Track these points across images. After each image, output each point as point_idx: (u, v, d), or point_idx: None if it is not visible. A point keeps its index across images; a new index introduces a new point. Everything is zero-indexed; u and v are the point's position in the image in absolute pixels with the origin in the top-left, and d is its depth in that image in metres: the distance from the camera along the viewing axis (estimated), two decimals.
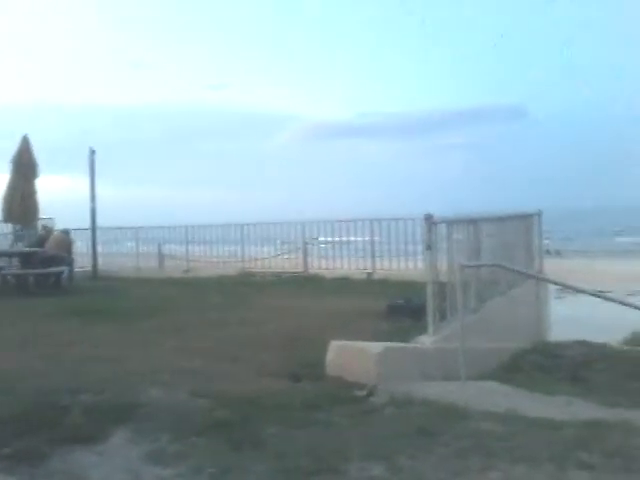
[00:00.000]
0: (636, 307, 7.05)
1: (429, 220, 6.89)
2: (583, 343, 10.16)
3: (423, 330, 6.83)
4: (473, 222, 8.07)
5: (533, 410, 4.47)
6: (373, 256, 13.20)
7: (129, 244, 17.51)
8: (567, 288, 9.61)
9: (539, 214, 10.97)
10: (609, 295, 8.87)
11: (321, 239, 14.31)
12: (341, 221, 13.87)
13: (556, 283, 8.92)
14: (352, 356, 5.61)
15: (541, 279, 9.00)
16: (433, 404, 4.49)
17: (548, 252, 42.97)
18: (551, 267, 26.12)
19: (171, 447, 3.55)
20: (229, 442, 3.63)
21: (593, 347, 10.03)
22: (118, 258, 17.13)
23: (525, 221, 10.47)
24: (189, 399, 4.63)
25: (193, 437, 3.72)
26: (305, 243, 14.32)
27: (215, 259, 15.28)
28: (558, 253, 43.45)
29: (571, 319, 15.69)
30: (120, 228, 17.39)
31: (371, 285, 12.14)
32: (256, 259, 14.85)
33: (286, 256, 14.78)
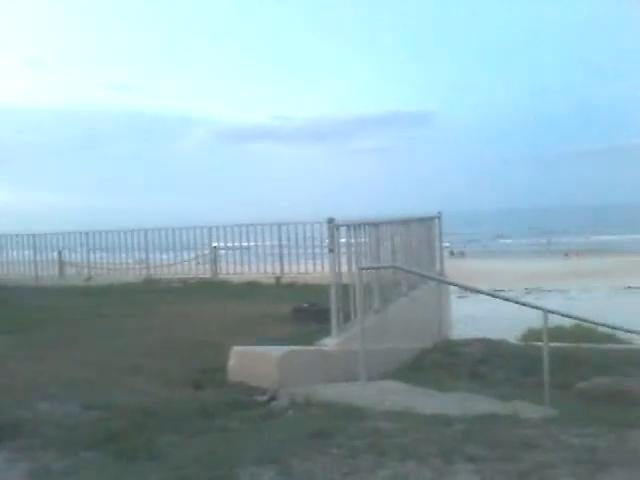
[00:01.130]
0: (528, 305, 7.41)
1: (331, 224, 6.97)
2: (482, 340, 10.57)
3: (328, 333, 6.90)
4: (375, 225, 8.24)
5: (429, 407, 4.59)
6: (281, 260, 13.21)
7: (27, 252, 16.62)
8: (462, 288, 9.96)
9: (439, 217, 11.33)
10: (503, 294, 9.28)
11: (229, 244, 14.15)
12: (249, 225, 13.78)
13: (451, 283, 9.25)
14: (253, 361, 5.58)
15: (435, 279, 9.30)
16: (332, 406, 4.53)
17: (452, 253, 44.70)
18: (455, 268, 27.14)
19: (57, 464, 3.37)
20: (122, 454, 3.50)
21: (492, 344, 10.46)
22: (15, 266, 16.27)
23: (426, 223, 10.79)
24: (81, 412, 4.43)
25: (82, 451, 3.56)
26: (213, 248, 14.13)
27: (118, 266, 14.79)
28: (462, 254, 45.28)
29: (473, 317, 16.39)
30: (17, 235, 16.50)
31: (279, 289, 12.13)
32: (161, 265, 14.50)
33: (193, 262, 14.52)
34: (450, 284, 9.55)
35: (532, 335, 11.92)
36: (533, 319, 9.74)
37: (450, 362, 8.87)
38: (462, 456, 3.02)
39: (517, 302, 7.78)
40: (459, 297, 19.43)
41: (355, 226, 7.63)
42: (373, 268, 7.53)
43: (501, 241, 61.92)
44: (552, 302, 18.91)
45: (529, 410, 4.79)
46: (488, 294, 7.85)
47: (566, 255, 40.71)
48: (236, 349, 5.73)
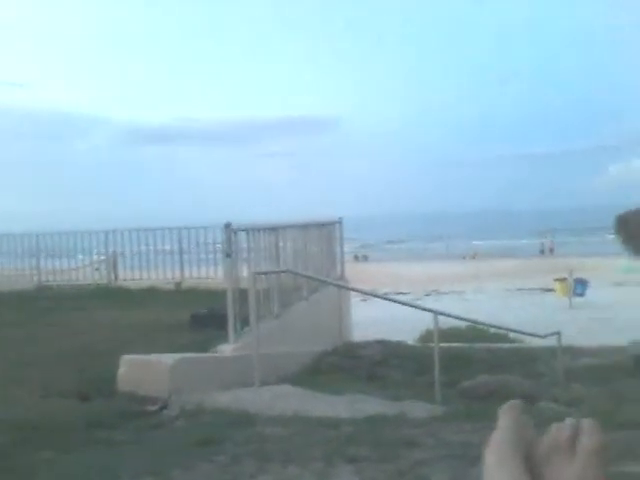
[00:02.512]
0: (419, 307, 7.65)
1: (228, 228, 6.92)
2: (381, 342, 10.82)
3: (225, 339, 6.83)
4: (274, 230, 8.24)
5: (320, 410, 4.65)
6: (182, 265, 12.94)
7: None
8: (357, 292, 10.14)
9: (340, 221, 11.49)
10: (396, 297, 9.53)
11: (128, 249, 13.70)
12: (148, 230, 13.41)
13: (343, 287, 9.40)
14: (144, 370, 5.42)
15: (328, 283, 9.41)
16: (224, 412, 4.49)
17: (356, 257, 45.38)
18: (358, 272, 27.62)
19: None
20: None
21: (390, 345, 10.74)
22: None
23: (327, 228, 10.91)
24: None
25: None
26: (111, 253, 13.65)
27: (7, 272, 13.98)
28: (365, 258, 46.21)
29: (375, 320, 16.69)
30: None
31: (179, 295, 11.87)
32: (55, 271, 13.83)
33: (89, 267, 13.96)
34: (342, 288, 9.69)
35: (429, 336, 12.30)
36: (431, 321, 10.09)
37: (349, 364, 9.02)
38: (344, 458, 3.07)
39: (407, 304, 8.04)
40: (362, 300, 19.77)
41: (253, 231, 7.60)
42: (267, 273, 7.53)
43: (403, 245, 63.72)
44: (449, 304, 19.64)
45: (418, 409, 4.95)
46: (380, 297, 8.05)
47: (464, 258, 42.41)
48: (126, 358, 5.55)
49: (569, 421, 0.62)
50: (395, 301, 7.84)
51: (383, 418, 4.21)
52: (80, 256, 14.14)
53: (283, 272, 7.68)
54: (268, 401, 4.99)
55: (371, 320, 16.26)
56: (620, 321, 14.91)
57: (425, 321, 11.68)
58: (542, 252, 45.59)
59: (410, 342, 12.01)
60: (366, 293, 9.17)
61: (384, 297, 8.34)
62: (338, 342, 10.55)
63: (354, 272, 27.65)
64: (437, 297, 22.14)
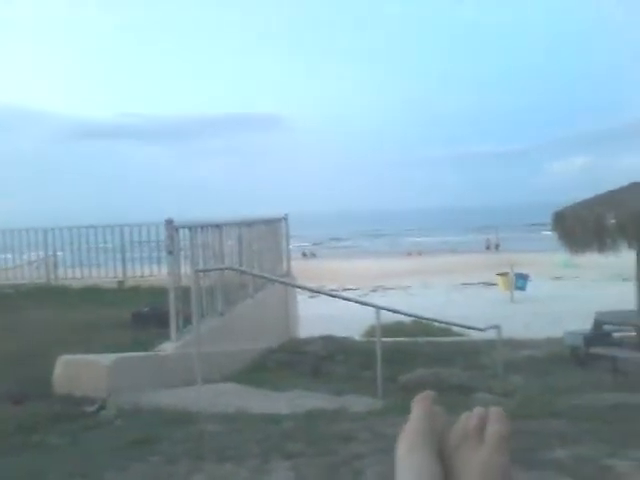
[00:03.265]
0: (362, 303, 7.71)
1: (170, 225, 6.81)
2: (327, 338, 10.87)
3: (167, 337, 6.73)
4: (217, 227, 8.16)
5: (262, 407, 4.63)
6: (124, 263, 12.67)
7: None
8: (301, 289, 10.15)
9: (286, 218, 11.46)
10: (340, 294, 9.58)
11: (68, 247, 13.31)
12: (89, 227, 13.07)
13: (289, 284, 9.40)
14: (82, 370, 5.29)
15: (274, 280, 9.38)
16: (164, 412, 4.42)
17: (304, 254, 45.46)
18: (306, 269, 27.66)
19: None
20: None
21: (335, 341, 10.79)
22: None
23: (272, 225, 10.86)
24: None
25: None
26: (50, 251, 13.24)
27: None
28: (313, 255, 46.37)
29: (322, 316, 16.75)
30: None
31: (121, 293, 11.63)
32: None
33: (27, 266, 13.51)
34: (286, 284, 9.68)
35: (374, 331, 12.43)
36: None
37: (294, 360, 9.03)
38: (281, 454, 3.07)
39: (350, 300, 8.11)
40: (310, 297, 19.81)
41: (196, 227, 7.51)
42: (209, 270, 7.45)
43: (350, 242, 64.15)
44: (396, 299, 19.92)
45: (358, 404, 4.99)
46: (322, 293, 8.09)
47: (409, 255, 43.04)
48: (63, 358, 5.41)
49: (477, 410, 0.63)
50: (338, 297, 7.89)
51: (322, 413, 4.23)
52: (18, 254, 13.66)
53: (225, 269, 7.61)
54: (209, 399, 4.94)
55: (319, 316, 16.30)
56: (558, 313, 15.42)
57: (371, 317, 11.80)
58: (488, 248, 46.72)
59: (356, 337, 12.11)
60: (308, 289, 9.20)
61: (326, 293, 8.38)
62: (284, 339, 10.55)
63: (302, 269, 27.73)
64: (383, 293, 22.38)
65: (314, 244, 54.67)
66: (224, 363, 7.43)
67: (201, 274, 7.40)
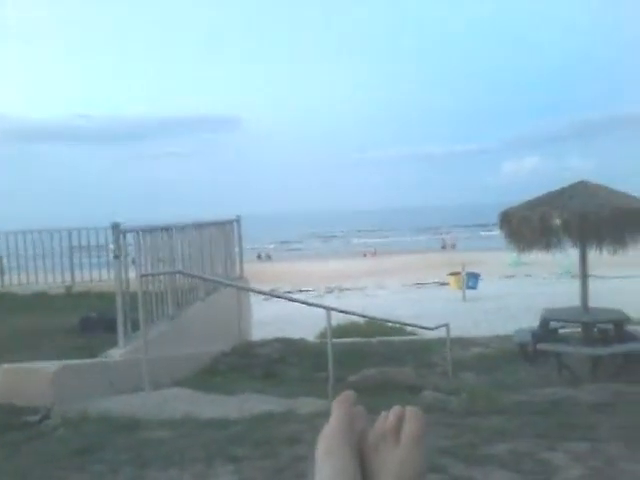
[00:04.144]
0: (312, 305, 7.73)
1: (117, 229, 6.70)
2: (281, 340, 10.86)
3: (115, 343, 6.61)
4: (167, 230, 8.06)
5: (210, 411, 4.59)
6: (72, 268, 12.37)
7: None
8: (251, 292, 10.10)
9: (238, 220, 11.38)
10: (290, 295, 9.57)
11: (13, 252, 12.92)
12: (35, 232, 12.71)
13: (237, 287, 9.35)
14: (24, 379, 5.15)
15: (221, 283, 9.31)
16: (110, 419, 4.33)
17: (259, 256, 45.29)
18: (262, 271, 27.48)
19: None
20: None
21: (289, 343, 10.79)
22: None
23: (224, 227, 10.78)
24: None
25: None
26: None
27: None
28: (269, 257, 46.24)
29: (278, 318, 16.73)
30: None
31: (69, 299, 11.35)
32: None
33: None
34: (233, 287, 9.61)
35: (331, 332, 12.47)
36: (332, 317, 10.21)
37: (246, 363, 8.98)
38: (225, 458, 3.05)
39: (300, 302, 8.14)
40: (265, 299, 19.75)
41: (144, 231, 7.40)
42: (155, 275, 7.35)
43: (305, 243, 64.22)
44: (351, 300, 20.03)
45: (308, 405, 4.99)
46: (272, 295, 8.07)
47: (364, 255, 43.36)
48: (5, 367, 5.25)
49: (394, 410, 0.64)
50: (287, 298, 7.90)
51: (270, 416, 4.22)
52: None
53: (172, 273, 7.52)
54: (157, 405, 4.87)
55: (274, 318, 16.28)
56: (508, 311, 15.78)
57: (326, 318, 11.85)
58: (444, 247, 47.48)
59: (310, 339, 12.12)
60: (257, 292, 9.16)
61: (275, 295, 8.37)
62: (237, 342, 10.48)
63: (257, 271, 27.63)
64: (339, 294, 22.48)
65: (270, 246, 54.52)
66: (174, 368, 7.34)
67: (150, 278, 7.30)
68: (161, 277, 7.67)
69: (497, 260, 27.78)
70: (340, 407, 0.65)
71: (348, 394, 0.68)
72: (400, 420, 0.62)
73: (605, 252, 8.86)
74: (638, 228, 8.67)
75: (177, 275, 8.05)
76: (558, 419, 3.75)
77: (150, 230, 7.58)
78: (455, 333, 11.48)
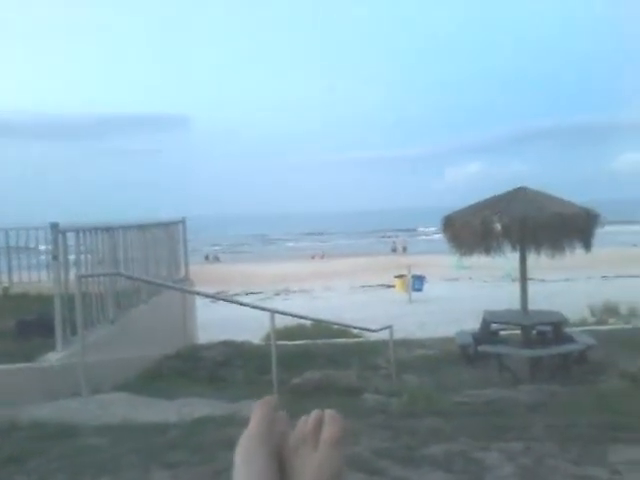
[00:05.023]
0: (257, 307, 7.70)
1: (55, 229, 6.51)
2: (226, 343, 10.75)
3: (53, 347, 6.42)
4: (108, 230, 7.88)
5: (149, 416, 4.51)
6: (9, 269, 11.95)
7: None
8: (193, 294, 9.98)
9: (183, 221, 11.23)
10: (240, 298, 9.50)
11: None
12: None
13: (179, 290, 9.23)
14: None
15: (163, 286, 9.17)
16: (42, 426, 4.20)
17: (207, 258, 44.80)
18: (210, 273, 27.14)
19: None
20: None
21: (234, 346, 10.70)
22: None
23: (169, 228, 10.62)
24: None
25: None
26: None
27: None
28: (217, 258, 45.82)
29: (225, 320, 16.57)
30: None
31: (6, 301, 10.96)
32: None
33: None
34: (175, 289, 9.47)
35: (277, 334, 12.43)
36: (280, 319, 10.19)
37: (191, 367, 8.87)
38: (162, 464, 3.00)
39: (245, 304, 8.11)
40: (212, 301, 19.53)
41: (85, 231, 7.22)
42: (93, 276, 7.18)
43: (253, 245, 63.91)
44: (298, 302, 20.03)
45: (251, 409, 4.95)
46: (217, 298, 8.00)
47: (313, 258, 43.45)
48: None
49: (314, 413, 0.64)
50: (231, 301, 7.85)
51: (211, 420, 4.17)
52: None
53: (111, 275, 7.35)
54: (95, 411, 4.75)
55: (221, 321, 16.12)
56: (452, 313, 16.07)
57: (276, 319, 11.81)
58: (394, 250, 47.97)
59: (256, 341, 12.05)
60: (200, 294, 9.06)
61: (218, 297, 8.30)
62: (182, 345, 10.32)
63: (205, 273, 27.33)
64: (286, 296, 22.45)
65: (218, 248, 54.01)
66: (115, 372, 7.18)
67: (90, 280, 7.12)
68: (102, 279, 7.49)
69: (443, 263, 28.28)
70: (260, 411, 0.64)
71: (269, 398, 0.67)
72: (319, 424, 0.62)
73: (543, 256, 9.14)
74: (574, 233, 8.98)
75: (118, 277, 7.89)
76: (493, 420, 3.83)
77: (90, 230, 7.40)
78: (400, 335, 11.63)
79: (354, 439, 3.32)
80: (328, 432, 0.60)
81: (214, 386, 7.74)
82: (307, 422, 0.63)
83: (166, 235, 10.40)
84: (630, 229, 59.56)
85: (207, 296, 8.28)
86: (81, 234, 7.12)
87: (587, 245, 9.14)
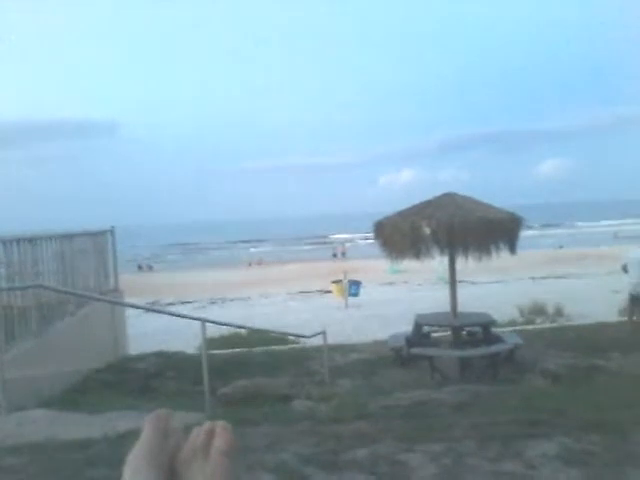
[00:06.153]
0: (186, 317, 7.60)
1: None
2: (158, 354, 10.55)
3: None
4: (31, 241, 7.60)
5: (73, 432, 4.37)
6: None
7: None
8: (119, 305, 9.74)
9: (112, 231, 10.95)
10: (162, 308, 9.33)
11: None
12: None
13: (104, 301, 8.99)
14: None
15: (87, 297, 8.91)
16: None
17: (140, 267, 43.87)
18: (143, 282, 26.51)
19: None
20: None
21: (168, 356, 10.51)
22: None
23: (97, 238, 10.33)
24: None
25: None
26: None
27: None
28: (150, 268, 44.86)
29: (159, 330, 16.24)
30: None
31: None
32: None
33: None
34: (101, 301, 9.23)
35: (212, 344, 12.28)
36: (217, 328, 10.06)
37: (121, 379, 8.65)
38: None
39: (174, 314, 8.00)
40: (146, 312, 19.11)
41: (6, 242, 6.94)
42: (12, 289, 6.92)
43: (188, 253, 62.99)
44: (235, 310, 19.86)
45: (181, 420, 4.87)
46: (144, 308, 7.85)
47: (250, 265, 43.17)
48: None
49: (205, 425, 0.63)
50: (161, 312, 7.70)
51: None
52: None
53: (32, 287, 7.10)
54: (14, 428, 4.57)
55: (154, 331, 15.79)
56: (387, 317, 16.28)
57: (210, 329, 11.66)
58: (335, 256, 48.20)
59: (190, 351, 11.87)
60: (125, 305, 8.87)
61: (146, 307, 8.16)
62: (112, 357, 10.05)
63: (138, 282, 26.69)
64: (223, 304, 22.22)
65: (151, 257, 52.90)
66: (40, 388, 6.92)
67: (11, 293, 6.85)
68: (25, 291, 7.22)
69: (381, 268, 28.67)
70: (151, 425, 0.64)
71: (161, 412, 0.66)
72: (210, 435, 0.62)
73: (471, 259, 9.39)
74: (500, 236, 9.27)
75: (43, 289, 7.62)
76: (418, 421, 3.90)
77: (12, 241, 7.11)
78: (336, 340, 11.71)
79: (280, 446, 3.31)
80: (218, 443, 0.60)
81: (145, 398, 7.57)
82: (197, 435, 0.63)
83: (94, 245, 10.12)
84: (556, 232, 62.20)
85: (134, 307, 8.09)
86: (1, 245, 6.84)
87: (512, 248, 9.44)
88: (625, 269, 11.00)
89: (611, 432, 3.38)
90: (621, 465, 3.01)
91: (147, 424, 0.65)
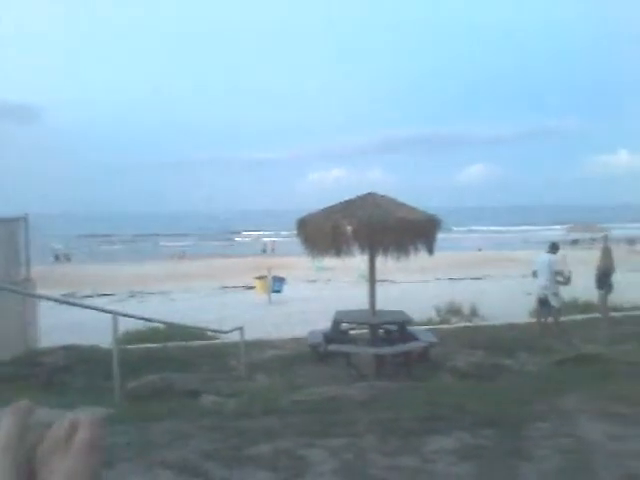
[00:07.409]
0: (98, 309, 7.40)
1: None
2: (69, 347, 10.18)
3: None
4: None
5: None
6: None
7: None
8: (27, 296, 9.39)
9: (26, 218, 10.49)
10: (74, 300, 9.05)
11: None
12: None
13: (14, 291, 8.63)
14: None
15: None
16: None
17: (57, 257, 42.30)
18: (61, 273, 25.57)
19: None
20: None
21: (79, 350, 10.16)
22: None
23: (8, 226, 9.87)
24: None
25: None
26: None
27: None
28: (68, 258, 43.28)
29: (75, 323, 15.67)
30: None
31: None
32: None
33: None
34: (7, 290, 8.86)
35: (127, 338, 11.96)
36: (133, 322, 9.78)
37: (27, 373, 8.31)
38: None
39: (87, 307, 7.77)
40: (62, 304, 18.38)
41: None
42: None
43: (107, 245, 61.20)
44: (154, 304, 19.45)
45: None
46: (55, 300, 7.60)
47: (172, 258, 42.38)
48: None
49: (68, 418, 0.60)
50: (72, 304, 7.47)
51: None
52: None
53: None
54: None
55: (69, 324, 15.24)
56: (309, 314, 16.36)
57: (126, 323, 11.35)
58: (264, 251, 47.92)
59: (105, 345, 11.53)
60: (36, 297, 8.55)
61: (57, 299, 7.88)
62: (19, 350, 9.65)
63: (55, 273, 25.72)
64: (142, 298, 21.70)
65: (69, 246, 51.00)
66: None
67: None
68: None
69: (306, 265, 28.77)
70: (10, 418, 0.61)
71: (20, 404, 0.63)
72: (73, 429, 0.60)
73: (390, 259, 9.57)
74: (418, 237, 9.49)
75: None
76: (324, 416, 3.94)
77: None
78: (257, 336, 11.66)
79: (183, 442, 3.27)
80: (80, 437, 0.58)
81: (51, 393, 7.30)
82: (59, 427, 0.61)
83: (4, 232, 9.67)
84: (476, 235, 64.46)
85: (43, 298, 7.80)
86: None
87: (430, 249, 9.68)
88: (535, 274, 11.53)
89: (505, 427, 3.53)
90: (511, 458, 3.15)
91: (6, 416, 0.63)
